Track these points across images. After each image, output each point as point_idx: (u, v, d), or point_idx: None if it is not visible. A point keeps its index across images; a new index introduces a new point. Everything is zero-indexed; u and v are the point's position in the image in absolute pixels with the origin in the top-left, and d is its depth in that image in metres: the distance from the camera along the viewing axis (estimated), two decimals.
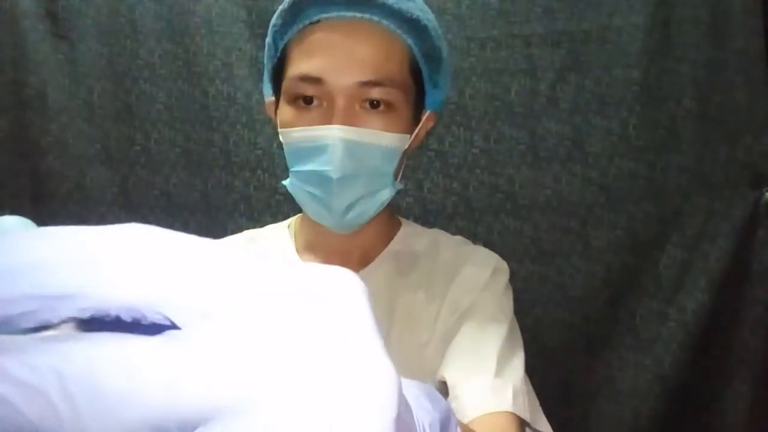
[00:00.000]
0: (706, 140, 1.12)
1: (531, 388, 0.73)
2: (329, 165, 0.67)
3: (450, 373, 0.68)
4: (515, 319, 0.77)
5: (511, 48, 1.15)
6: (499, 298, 0.75)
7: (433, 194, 1.17)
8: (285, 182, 0.74)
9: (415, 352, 0.73)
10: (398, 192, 0.77)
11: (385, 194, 0.72)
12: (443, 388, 0.70)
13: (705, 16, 1.11)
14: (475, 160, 1.16)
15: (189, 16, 1.21)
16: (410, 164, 1.17)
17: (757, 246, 1.11)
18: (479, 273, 0.75)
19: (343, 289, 0.20)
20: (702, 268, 1.11)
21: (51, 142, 1.23)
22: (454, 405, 0.62)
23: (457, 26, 1.16)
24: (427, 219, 1.15)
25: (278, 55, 0.73)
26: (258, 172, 1.20)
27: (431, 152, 1.17)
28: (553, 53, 1.14)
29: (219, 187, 1.21)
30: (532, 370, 0.74)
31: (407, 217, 0.89)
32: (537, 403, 0.72)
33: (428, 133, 1.12)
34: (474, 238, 1.13)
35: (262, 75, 0.78)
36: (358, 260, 0.78)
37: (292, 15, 0.70)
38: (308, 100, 0.68)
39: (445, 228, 0.87)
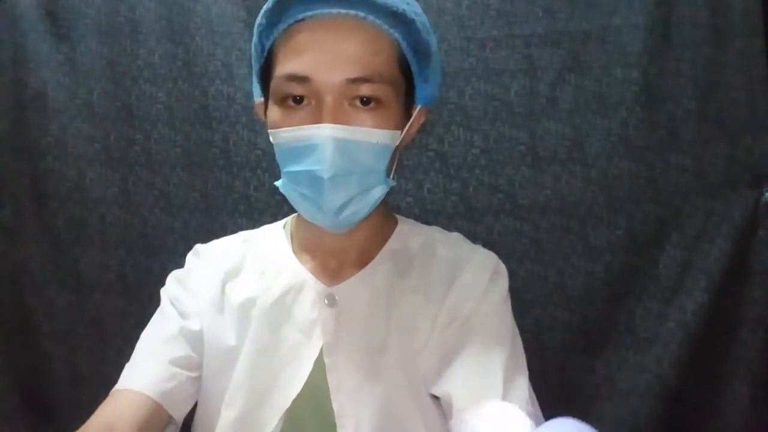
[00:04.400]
0: (706, 140, 1.12)
1: (534, 398, 0.72)
2: (320, 164, 0.66)
3: (456, 394, 0.67)
4: (515, 326, 0.77)
5: (511, 48, 1.15)
6: (499, 308, 0.75)
7: (433, 194, 1.17)
8: (278, 183, 0.73)
9: (413, 357, 0.72)
10: (398, 192, 0.77)
11: (378, 192, 0.72)
12: (436, 402, 0.70)
13: (705, 16, 1.11)
14: (475, 160, 1.16)
15: (189, 16, 1.21)
16: (410, 164, 1.17)
17: (757, 246, 1.11)
18: (478, 278, 0.75)
19: None
20: (702, 268, 1.11)
21: (51, 142, 1.23)
22: (461, 428, 0.62)
23: (457, 26, 1.16)
24: (427, 219, 1.15)
25: (265, 55, 0.73)
26: (258, 172, 1.20)
27: (431, 152, 1.17)
28: (553, 53, 1.14)
29: (219, 187, 1.21)
30: (532, 370, 0.74)
31: (407, 218, 0.89)
32: (540, 414, 0.71)
33: (428, 133, 1.12)
34: (474, 238, 1.13)
35: None
36: (355, 260, 0.77)
37: (277, 14, 0.70)
38: (297, 100, 0.68)
39: (444, 228, 0.87)
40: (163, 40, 1.21)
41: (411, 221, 0.86)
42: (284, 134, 0.69)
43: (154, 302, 0.83)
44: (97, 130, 1.23)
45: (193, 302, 0.79)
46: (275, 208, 1.19)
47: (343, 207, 0.69)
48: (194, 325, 0.77)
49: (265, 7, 0.71)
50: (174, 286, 0.81)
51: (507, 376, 0.67)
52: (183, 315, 0.78)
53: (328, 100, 0.66)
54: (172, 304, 0.80)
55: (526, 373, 0.71)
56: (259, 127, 1.20)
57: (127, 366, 0.77)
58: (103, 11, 1.22)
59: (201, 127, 1.21)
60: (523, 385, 0.69)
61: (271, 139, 0.72)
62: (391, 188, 0.75)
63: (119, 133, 1.23)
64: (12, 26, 1.22)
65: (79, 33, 1.22)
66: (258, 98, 0.77)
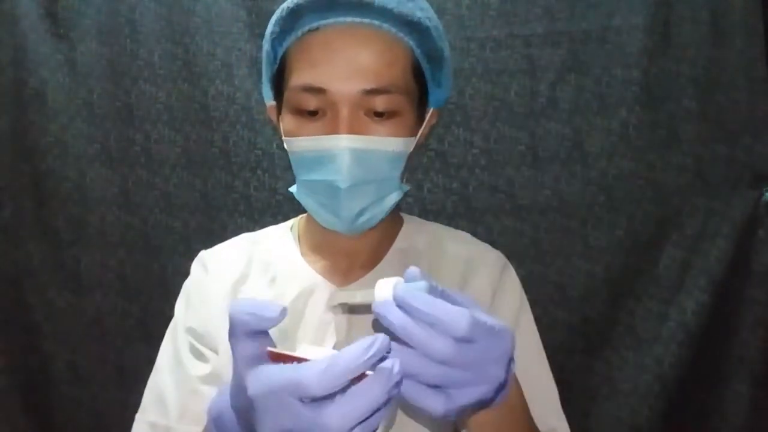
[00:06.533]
0: (706, 140, 1.12)
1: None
2: (337, 175, 0.66)
3: None
4: (536, 330, 0.80)
5: (511, 48, 1.15)
6: (520, 314, 0.77)
7: (433, 194, 1.17)
8: (292, 189, 0.73)
9: None
10: None
11: (393, 198, 0.72)
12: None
13: (705, 16, 1.11)
14: (475, 160, 1.16)
15: (189, 16, 1.21)
16: (410, 164, 1.17)
17: (757, 246, 1.11)
18: (492, 279, 0.77)
19: None
20: (702, 268, 1.11)
21: (51, 142, 1.23)
22: None
23: (457, 26, 1.16)
24: (426, 219, 1.15)
25: (277, 62, 0.72)
26: (258, 172, 1.20)
27: (431, 152, 1.17)
28: (553, 53, 1.14)
29: (219, 187, 1.21)
30: None
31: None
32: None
33: (430, 132, 1.11)
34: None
35: (261, 76, 0.77)
36: (365, 261, 0.77)
37: (291, 22, 0.68)
38: (313, 110, 0.68)
39: None
40: (163, 40, 1.21)
41: (416, 219, 0.86)
42: (301, 143, 0.68)
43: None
44: (97, 130, 1.23)
45: (210, 329, 0.75)
46: (275, 208, 1.19)
47: (359, 214, 0.70)
48: (215, 363, 0.73)
49: (277, 15, 0.70)
50: (190, 319, 0.76)
51: (556, 402, 0.76)
52: (202, 357, 0.74)
53: (344, 111, 0.65)
54: (192, 346, 0.75)
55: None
56: (259, 127, 1.21)
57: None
58: (103, 11, 1.22)
59: (201, 127, 1.21)
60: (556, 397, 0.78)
61: (285, 146, 0.71)
62: None
63: (119, 133, 1.23)
64: (12, 26, 1.22)
65: (79, 33, 1.23)
66: (269, 102, 0.76)
